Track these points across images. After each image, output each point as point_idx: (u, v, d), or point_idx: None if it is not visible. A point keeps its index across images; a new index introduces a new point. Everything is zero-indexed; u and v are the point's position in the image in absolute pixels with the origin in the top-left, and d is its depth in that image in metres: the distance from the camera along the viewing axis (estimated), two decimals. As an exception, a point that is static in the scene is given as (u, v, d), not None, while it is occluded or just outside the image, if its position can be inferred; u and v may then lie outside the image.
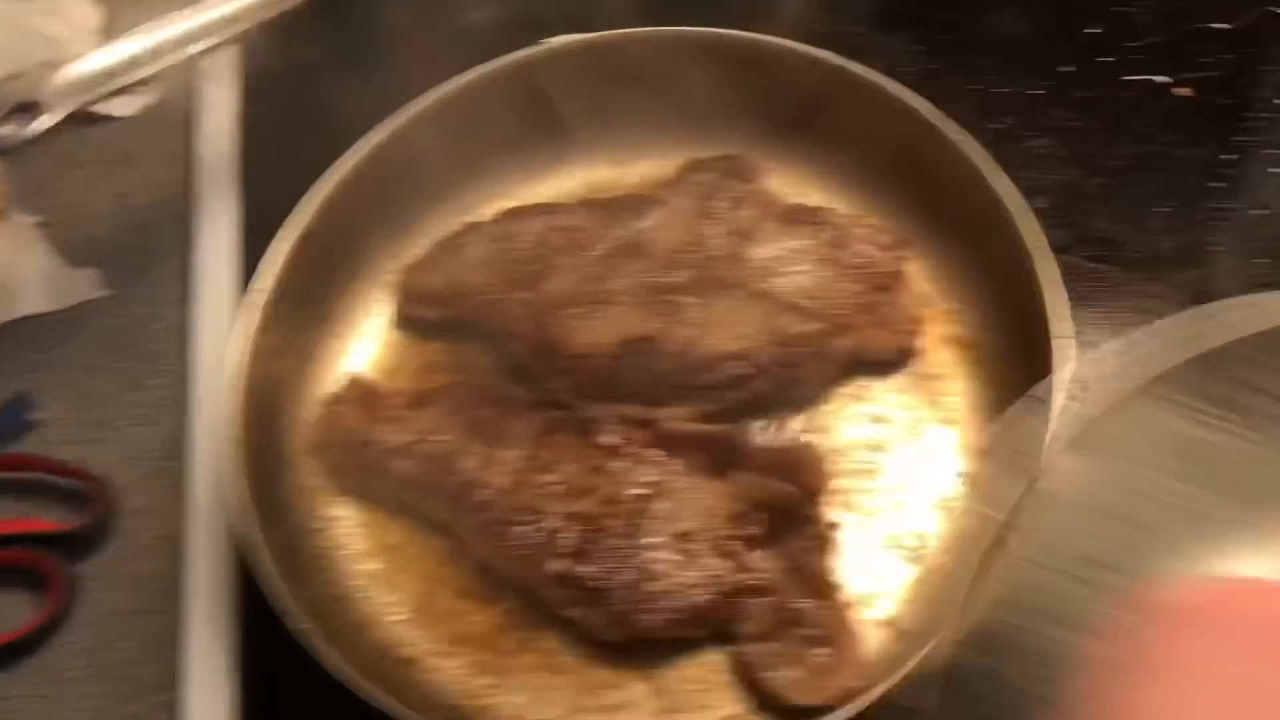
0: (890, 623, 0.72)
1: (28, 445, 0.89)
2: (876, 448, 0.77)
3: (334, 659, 0.67)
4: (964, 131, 0.79)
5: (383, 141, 0.84)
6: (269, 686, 0.77)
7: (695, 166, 0.86)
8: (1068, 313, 0.71)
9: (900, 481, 0.76)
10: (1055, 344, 0.70)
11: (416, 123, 0.85)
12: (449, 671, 0.73)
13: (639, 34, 0.88)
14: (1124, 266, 0.84)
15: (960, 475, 0.76)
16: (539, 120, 0.89)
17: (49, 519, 0.85)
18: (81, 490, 0.86)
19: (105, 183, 1.00)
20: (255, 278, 0.79)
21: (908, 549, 0.74)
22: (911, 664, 0.65)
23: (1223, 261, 0.83)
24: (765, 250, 0.82)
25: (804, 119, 0.87)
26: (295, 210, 0.81)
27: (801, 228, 0.82)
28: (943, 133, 0.79)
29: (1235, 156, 0.86)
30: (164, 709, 0.78)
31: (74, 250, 0.98)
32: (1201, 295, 0.82)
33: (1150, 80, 0.90)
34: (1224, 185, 0.85)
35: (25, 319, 0.94)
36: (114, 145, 1.02)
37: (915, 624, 0.71)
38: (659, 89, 0.88)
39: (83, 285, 0.96)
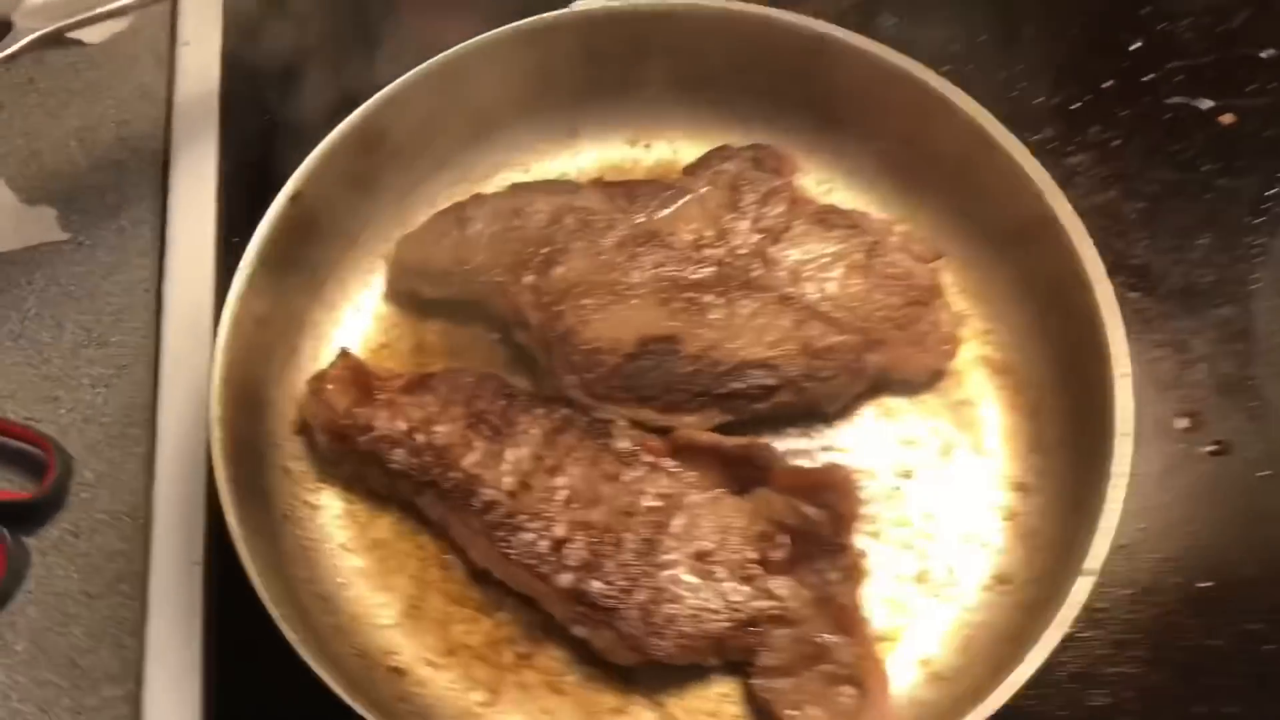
0: (923, 664, 0.68)
1: (-29, 400, 0.81)
2: (904, 473, 0.73)
3: (325, 669, 0.61)
4: (1014, 138, 0.74)
5: (385, 99, 0.77)
6: (238, 683, 0.71)
7: (722, 155, 0.80)
8: (1125, 347, 0.68)
9: (929, 510, 0.72)
10: (1116, 381, 0.67)
11: (424, 82, 0.78)
12: (440, 685, 0.68)
13: (672, 5, 0.81)
14: (1159, 298, 0.80)
15: (994, 509, 0.72)
16: (554, 90, 0.83)
17: (-6, 484, 0.78)
18: (31, 454, 0.78)
19: (67, 114, 0.92)
20: (250, 241, 0.72)
21: (938, 584, 0.70)
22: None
23: (1261, 300, 0.80)
24: (794, 252, 0.77)
25: (838, 111, 0.81)
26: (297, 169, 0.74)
27: (833, 230, 0.77)
28: (992, 138, 0.74)
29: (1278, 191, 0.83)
30: (122, 703, 0.71)
31: (30, 187, 0.89)
32: (1239, 334, 0.79)
33: (1191, 104, 0.87)
34: (1264, 220, 0.82)
35: (-27, 258, 0.87)
36: (77, 73, 0.94)
37: (950, 667, 0.67)
38: (686, 67, 0.83)
39: (39, 226, 0.87)
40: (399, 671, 0.68)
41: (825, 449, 0.74)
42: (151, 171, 0.88)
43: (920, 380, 0.75)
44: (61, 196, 0.88)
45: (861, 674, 0.65)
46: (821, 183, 0.83)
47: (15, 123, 0.91)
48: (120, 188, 0.88)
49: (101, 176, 0.89)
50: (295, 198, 0.73)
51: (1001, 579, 0.70)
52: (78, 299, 0.84)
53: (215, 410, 0.66)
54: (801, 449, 0.74)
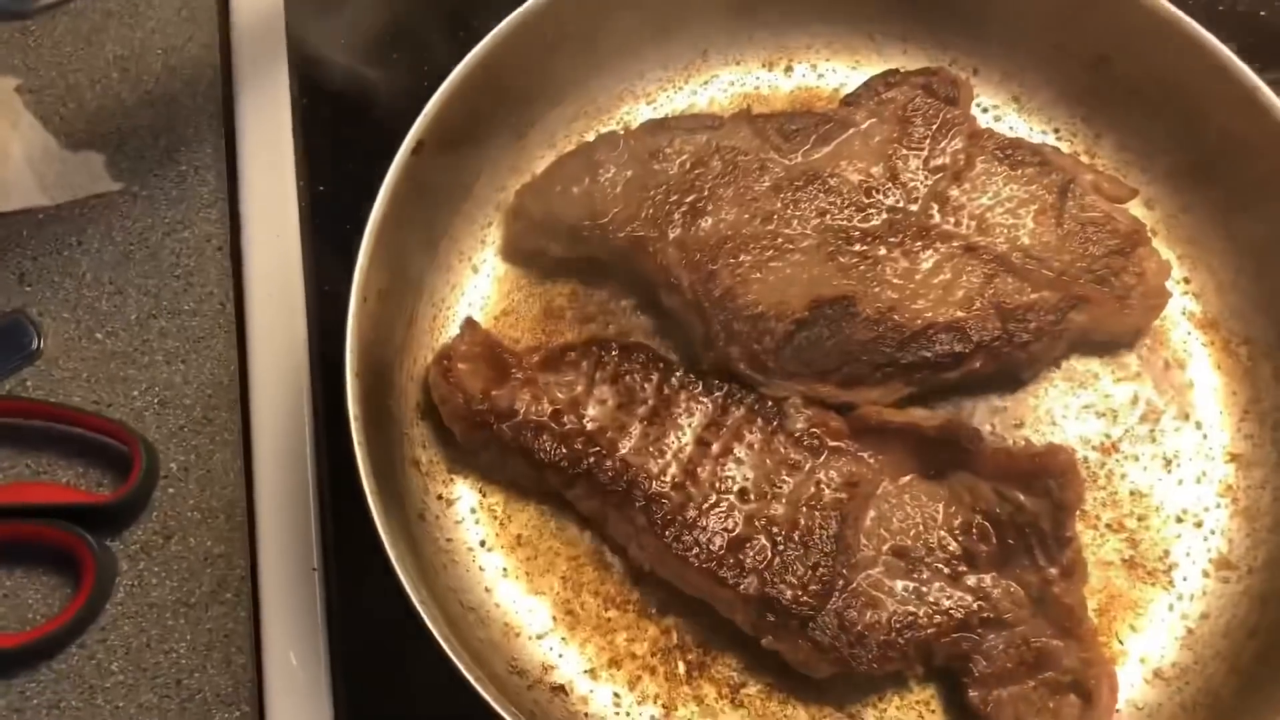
0: (1142, 661, 0.61)
1: (30, 380, 0.71)
2: (1106, 447, 0.65)
3: (501, 703, 0.53)
4: (1245, 66, 0.64)
5: (508, 30, 0.66)
6: (370, 704, 0.63)
7: (886, 81, 0.70)
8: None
9: (1136, 487, 0.64)
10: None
11: (549, 7, 0.67)
12: (607, 702, 0.60)
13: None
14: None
15: (1209, 484, 0.64)
16: (682, 7, 0.72)
17: (69, 481, 0.68)
18: (109, 447, 0.69)
19: (103, 39, 0.79)
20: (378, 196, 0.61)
21: (1150, 570, 0.63)
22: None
23: None
24: (978, 194, 0.67)
25: (1015, 27, 0.71)
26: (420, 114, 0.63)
27: (1021, 169, 0.68)
28: (1230, 65, 0.65)
29: None
30: (240, 730, 0.64)
31: (70, 129, 0.77)
32: None
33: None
34: None
35: (16, 214, 0.75)
36: (109, -10, 0.81)
37: (1173, 665, 0.61)
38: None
39: (86, 175, 0.76)
40: (562, 690, 0.60)
41: (1016, 425, 0.66)
42: (210, 107, 0.77)
43: (1122, 340, 0.67)
44: (108, 139, 0.76)
45: (1089, 682, 0.58)
46: (988, 110, 0.73)
47: (44, 51, 0.79)
48: (175, 127, 0.77)
49: (152, 114, 0.77)
50: (418, 148, 0.62)
51: (1223, 564, 0.63)
52: (139, 260, 0.74)
53: (353, 410, 0.57)
54: (982, 423, 0.66)
